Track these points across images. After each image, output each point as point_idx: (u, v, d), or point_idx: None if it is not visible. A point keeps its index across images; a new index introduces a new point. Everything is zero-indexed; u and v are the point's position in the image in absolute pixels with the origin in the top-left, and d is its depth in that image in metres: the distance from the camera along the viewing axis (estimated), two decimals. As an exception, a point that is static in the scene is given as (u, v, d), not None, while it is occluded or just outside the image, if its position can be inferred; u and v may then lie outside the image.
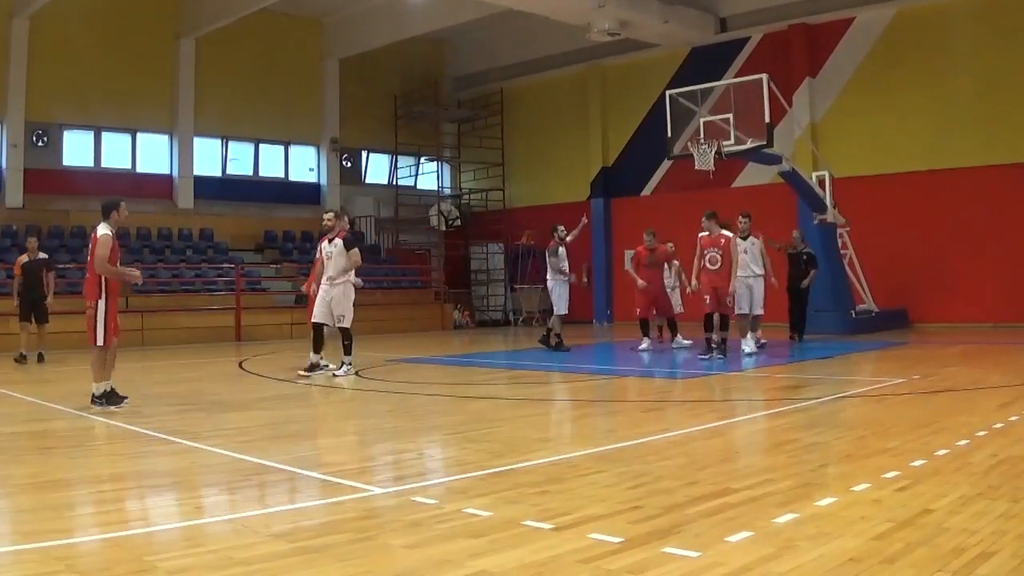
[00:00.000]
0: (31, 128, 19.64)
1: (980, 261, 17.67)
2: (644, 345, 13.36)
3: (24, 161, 19.37)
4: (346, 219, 12.74)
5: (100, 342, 7.93)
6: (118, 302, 8.28)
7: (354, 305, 10.79)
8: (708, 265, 11.67)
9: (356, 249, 10.73)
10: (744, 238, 12.31)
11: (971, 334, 15.76)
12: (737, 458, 5.50)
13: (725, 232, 11.65)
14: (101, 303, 7.96)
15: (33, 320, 13.77)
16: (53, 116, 19.97)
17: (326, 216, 11.14)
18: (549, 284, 13.65)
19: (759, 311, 12.50)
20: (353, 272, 10.65)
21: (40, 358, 13.59)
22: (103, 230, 8.00)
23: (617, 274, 22.62)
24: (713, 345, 11.49)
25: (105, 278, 7.96)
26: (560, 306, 13.51)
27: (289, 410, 8.10)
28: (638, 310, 13.60)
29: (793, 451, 5.61)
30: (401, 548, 3.56)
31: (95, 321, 7.94)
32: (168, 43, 21.42)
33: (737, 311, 11.97)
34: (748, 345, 11.97)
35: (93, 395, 7.93)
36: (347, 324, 10.65)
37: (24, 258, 13.91)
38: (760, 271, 12.44)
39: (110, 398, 7.95)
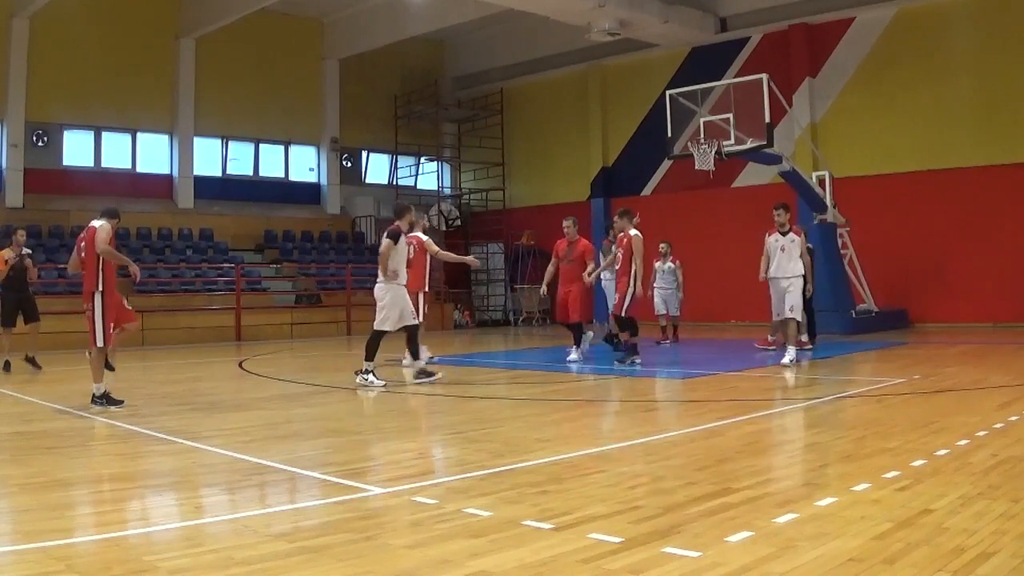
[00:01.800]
0: (31, 128, 19.65)
1: (980, 261, 17.66)
2: (572, 355, 11.65)
3: (24, 161, 19.38)
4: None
5: (100, 343, 7.92)
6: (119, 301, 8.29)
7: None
8: (615, 265, 11.24)
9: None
10: (784, 233, 11.05)
11: (971, 334, 15.75)
12: (737, 458, 5.49)
13: (632, 231, 10.95)
14: (98, 299, 7.93)
15: (22, 320, 12.16)
16: (53, 116, 19.98)
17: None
18: (603, 284, 13.40)
19: (796, 316, 10.93)
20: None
21: (33, 362, 11.98)
22: (102, 221, 8.07)
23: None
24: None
25: (103, 275, 7.95)
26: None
27: (289, 410, 8.10)
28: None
29: (793, 451, 5.61)
30: (401, 548, 3.56)
31: (93, 321, 7.92)
32: (168, 43, 21.44)
33: (775, 316, 11.18)
34: (790, 354, 10.66)
35: (93, 395, 7.93)
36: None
37: (9, 253, 12.03)
38: (800, 271, 10.97)
39: (110, 398, 7.95)
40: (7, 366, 11.95)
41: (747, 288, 12.92)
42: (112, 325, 8.08)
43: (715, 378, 9.84)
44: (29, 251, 12.62)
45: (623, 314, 11.04)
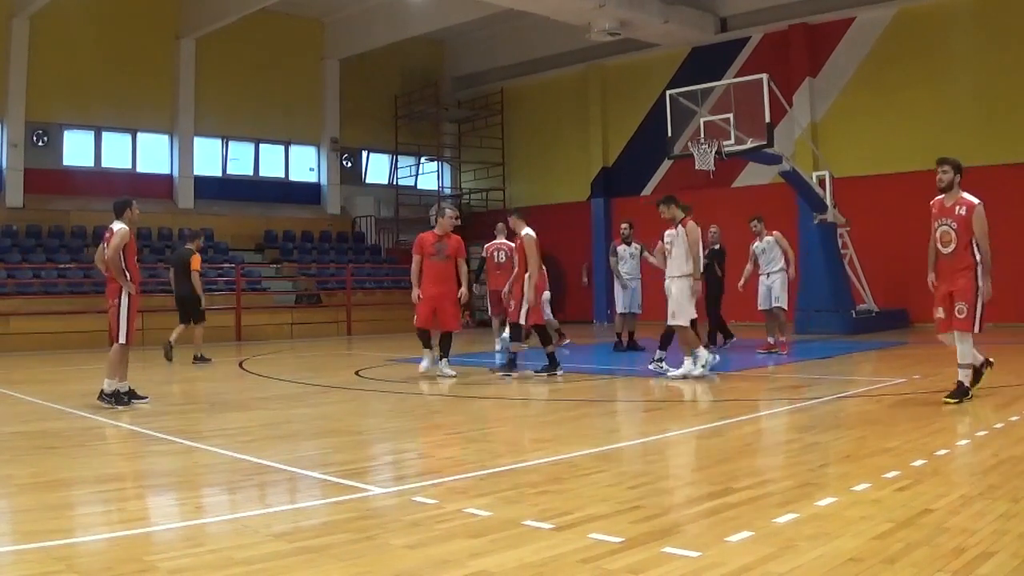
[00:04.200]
0: (31, 128, 19.66)
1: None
2: (423, 365, 10.34)
3: (24, 161, 19.39)
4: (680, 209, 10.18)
5: (123, 339, 7.93)
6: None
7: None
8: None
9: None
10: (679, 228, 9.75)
11: (971, 334, 15.73)
12: (737, 458, 5.49)
13: (525, 231, 10.17)
14: (124, 300, 7.95)
15: (189, 320, 13.02)
16: (53, 116, 19.99)
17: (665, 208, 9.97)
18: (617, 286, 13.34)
19: (677, 320, 9.54)
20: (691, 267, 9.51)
21: (199, 358, 12.95)
22: (120, 225, 8.03)
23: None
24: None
25: (128, 275, 7.96)
26: (620, 305, 13.26)
27: (289, 410, 8.10)
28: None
29: (793, 451, 5.61)
30: (401, 548, 3.56)
31: (118, 319, 7.94)
32: (168, 43, 21.44)
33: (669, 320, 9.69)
34: (685, 366, 9.51)
35: (103, 391, 7.92)
36: (681, 322, 9.48)
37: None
38: (681, 271, 9.57)
39: (119, 397, 7.94)
40: (202, 359, 13.04)
41: (746, 288, 12.88)
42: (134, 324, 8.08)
43: (715, 378, 9.82)
44: (191, 247, 13.27)
45: (520, 321, 10.12)
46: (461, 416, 7.73)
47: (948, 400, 7.10)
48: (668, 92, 16.62)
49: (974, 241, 7.35)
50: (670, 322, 9.67)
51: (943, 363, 10.91)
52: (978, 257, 7.37)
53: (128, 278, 7.99)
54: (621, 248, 13.48)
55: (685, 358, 9.56)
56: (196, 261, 12.82)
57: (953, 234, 7.33)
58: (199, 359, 12.97)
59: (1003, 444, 5.32)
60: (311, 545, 3.60)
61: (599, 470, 5.03)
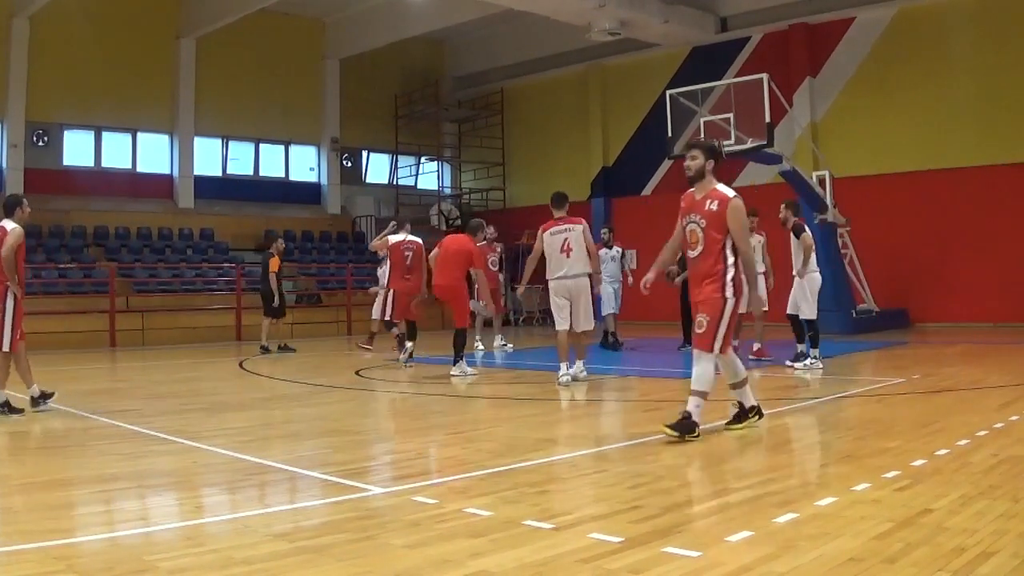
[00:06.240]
0: (31, 128, 19.65)
1: (980, 261, 17.65)
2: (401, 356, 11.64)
3: (24, 161, 19.38)
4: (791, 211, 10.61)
5: (6, 347, 7.51)
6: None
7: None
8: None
9: (807, 233, 10.42)
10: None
11: (971, 334, 15.75)
12: (737, 458, 5.49)
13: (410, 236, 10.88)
14: (9, 303, 7.58)
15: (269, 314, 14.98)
16: (53, 116, 19.98)
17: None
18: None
19: (581, 326, 9.32)
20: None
21: (264, 350, 14.63)
22: (13, 224, 7.67)
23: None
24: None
25: (17, 275, 7.62)
26: (605, 306, 13.39)
27: (289, 410, 8.10)
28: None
29: (793, 451, 5.61)
30: (401, 548, 3.56)
31: (1, 323, 7.53)
32: (168, 43, 21.44)
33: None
34: (577, 367, 9.40)
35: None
36: (809, 315, 10.25)
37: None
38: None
39: (11, 407, 7.58)
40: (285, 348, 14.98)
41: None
42: (20, 332, 7.62)
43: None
44: (271, 251, 15.34)
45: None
46: (461, 416, 7.73)
47: (666, 430, 5.65)
48: (668, 92, 16.63)
49: (728, 242, 5.80)
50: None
51: (943, 363, 10.93)
52: (730, 260, 5.79)
53: (18, 281, 7.59)
54: (602, 252, 13.47)
55: (578, 361, 9.45)
56: (274, 263, 14.77)
57: (700, 233, 5.83)
58: (272, 350, 14.61)
59: (1003, 444, 5.32)
60: (311, 545, 3.60)
61: (599, 470, 5.02)
